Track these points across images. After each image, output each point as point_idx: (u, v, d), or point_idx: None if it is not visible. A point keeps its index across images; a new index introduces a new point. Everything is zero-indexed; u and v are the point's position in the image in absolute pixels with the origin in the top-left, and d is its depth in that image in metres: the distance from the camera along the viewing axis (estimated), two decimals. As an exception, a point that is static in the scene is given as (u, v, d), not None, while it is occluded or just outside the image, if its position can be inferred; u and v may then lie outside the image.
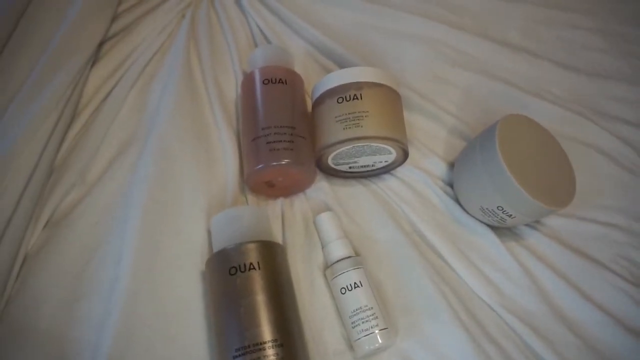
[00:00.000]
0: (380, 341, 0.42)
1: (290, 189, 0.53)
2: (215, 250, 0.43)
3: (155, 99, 0.58)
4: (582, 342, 0.44)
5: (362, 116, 0.49)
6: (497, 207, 0.48)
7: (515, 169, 0.45)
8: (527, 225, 0.53)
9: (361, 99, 0.50)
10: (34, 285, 0.44)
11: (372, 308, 0.43)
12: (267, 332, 0.37)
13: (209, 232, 0.48)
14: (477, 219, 0.52)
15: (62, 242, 0.46)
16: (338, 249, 0.47)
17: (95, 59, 0.61)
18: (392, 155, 0.52)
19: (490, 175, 0.47)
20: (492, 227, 0.52)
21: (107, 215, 0.48)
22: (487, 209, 0.49)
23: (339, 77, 0.51)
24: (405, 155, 0.52)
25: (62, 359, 0.40)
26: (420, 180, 0.55)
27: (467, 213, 0.53)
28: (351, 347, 0.44)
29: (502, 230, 0.52)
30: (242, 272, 0.40)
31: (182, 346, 0.42)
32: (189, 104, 0.57)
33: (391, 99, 0.52)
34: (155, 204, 0.48)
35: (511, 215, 0.48)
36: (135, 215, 0.47)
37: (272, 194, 0.53)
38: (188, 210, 0.49)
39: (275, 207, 0.52)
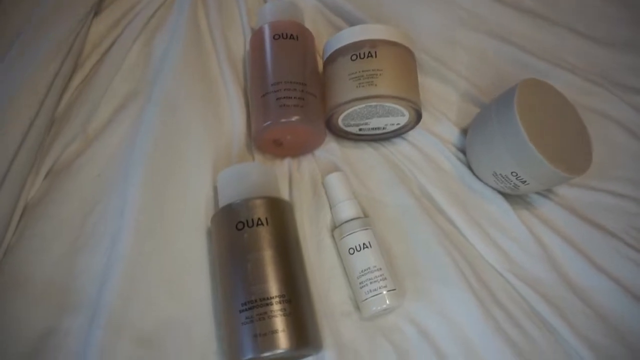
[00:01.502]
0: (388, 302, 0.41)
1: (298, 148, 0.52)
2: (221, 205, 0.42)
3: (160, 52, 0.56)
4: (591, 309, 0.44)
5: (377, 74, 0.47)
6: (511, 172, 0.47)
7: (533, 134, 0.44)
8: (538, 193, 0.52)
9: (376, 56, 0.48)
10: (34, 235, 0.43)
11: (380, 269, 0.42)
12: (274, 288, 0.37)
13: (215, 189, 0.47)
14: (489, 185, 0.51)
15: (63, 193, 0.45)
16: (347, 210, 0.46)
17: (98, 9, 0.58)
18: (404, 117, 0.50)
19: (505, 140, 0.45)
20: (504, 195, 0.51)
21: (110, 168, 0.47)
22: (500, 174, 0.48)
23: (353, 34, 0.49)
24: (418, 117, 0.51)
25: (62, 310, 0.39)
26: (431, 145, 0.54)
27: (479, 179, 0.52)
28: (358, 308, 0.43)
29: (514, 198, 0.51)
30: (249, 227, 0.39)
31: (187, 302, 0.41)
32: (195, 59, 0.55)
33: (406, 59, 0.50)
34: (159, 159, 0.46)
35: (525, 181, 0.46)
36: (138, 169, 0.45)
37: (280, 154, 0.52)
38: (194, 166, 0.48)
39: (283, 166, 0.51)
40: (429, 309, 0.43)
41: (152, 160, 0.46)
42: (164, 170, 0.46)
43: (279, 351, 0.35)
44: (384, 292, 0.42)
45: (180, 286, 0.42)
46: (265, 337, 0.35)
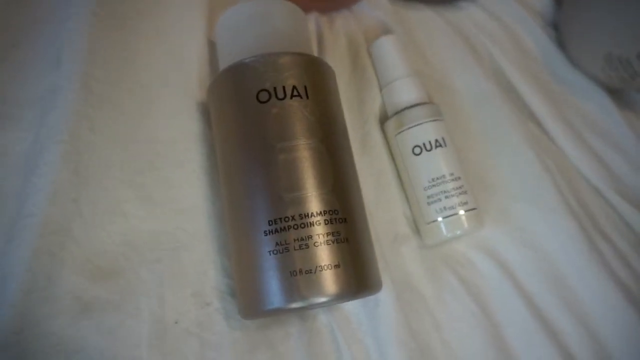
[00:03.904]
0: (466, 226, 0.29)
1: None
2: (225, 65, 0.26)
3: None
4: None
5: None
6: (638, 54, 0.33)
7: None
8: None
9: None
10: None
11: (459, 178, 0.29)
12: (321, 198, 0.22)
13: (211, 44, 0.30)
14: (588, 74, 0.37)
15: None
16: (408, 90, 0.31)
17: None
18: (489, -36, 0.34)
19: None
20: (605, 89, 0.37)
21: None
22: (618, 57, 0.34)
23: None
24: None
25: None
26: (513, 14, 0.39)
27: (575, 65, 0.38)
28: (417, 231, 0.31)
29: (613, 95, 0.38)
30: (279, 99, 0.23)
31: (168, 213, 0.26)
32: None
33: None
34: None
35: (653, 68, 0.33)
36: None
37: (304, 5, 0.34)
38: (175, 4, 0.30)
39: (308, 24, 0.34)
40: (511, 236, 0.31)
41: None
42: (128, 5, 0.29)
43: (328, 298, 0.21)
44: (461, 212, 0.29)
45: (157, 188, 0.27)
46: (309, 275, 0.21)
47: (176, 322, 0.24)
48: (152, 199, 0.26)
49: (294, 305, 0.21)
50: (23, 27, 0.27)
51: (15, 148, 0.25)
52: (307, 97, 0.24)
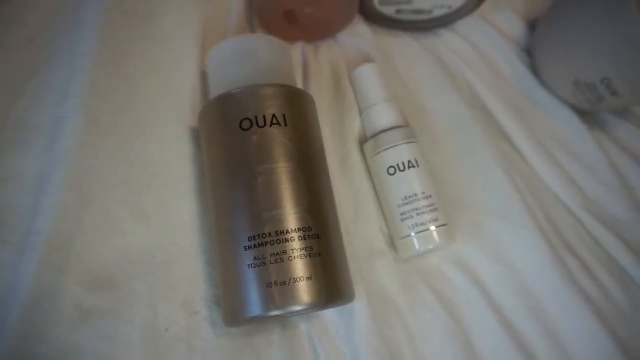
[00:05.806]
0: (437, 241, 0.31)
1: (318, 28, 0.38)
2: (215, 95, 0.29)
3: None
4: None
5: None
6: (602, 79, 0.35)
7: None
8: (613, 113, 0.41)
9: None
10: None
11: (430, 197, 0.31)
12: (297, 216, 0.25)
13: (204, 75, 0.33)
14: (560, 97, 0.40)
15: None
16: (385, 115, 0.34)
17: None
18: (464, -5, 0.37)
19: (611, 33, 0.33)
20: (576, 112, 0.40)
21: (47, 29, 0.32)
22: (584, 82, 0.36)
23: None
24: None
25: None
26: (489, 41, 0.41)
27: (547, 89, 0.40)
28: (393, 246, 0.33)
29: (585, 117, 0.40)
30: (260, 127, 0.26)
31: (162, 230, 0.29)
32: None
33: None
34: (121, 27, 0.32)
35: (616, 92, 0.35)
36: (90, 36, 0.31)
37: (292, 35, 0.38)
38: (172, 39, 0.33)
39: (295, 53, 0.37)
40: (483, 250, 0.33)
41: (110, 29, 0.31)
42: (128, 42, 0.32)
43: (301, 308, 0.24)
44: (433, 228, 0.31)
45: (152, 207, 0.29)
46: (284, 287, 0.24)
47: (167, 330, 0.27)
48: (148, 217, 0.29)
49: (271, 313, 0.24)
50: (37, 63, 0.30)
51: (29, 171, 0.27)
52: (286, 125, 0.27)
